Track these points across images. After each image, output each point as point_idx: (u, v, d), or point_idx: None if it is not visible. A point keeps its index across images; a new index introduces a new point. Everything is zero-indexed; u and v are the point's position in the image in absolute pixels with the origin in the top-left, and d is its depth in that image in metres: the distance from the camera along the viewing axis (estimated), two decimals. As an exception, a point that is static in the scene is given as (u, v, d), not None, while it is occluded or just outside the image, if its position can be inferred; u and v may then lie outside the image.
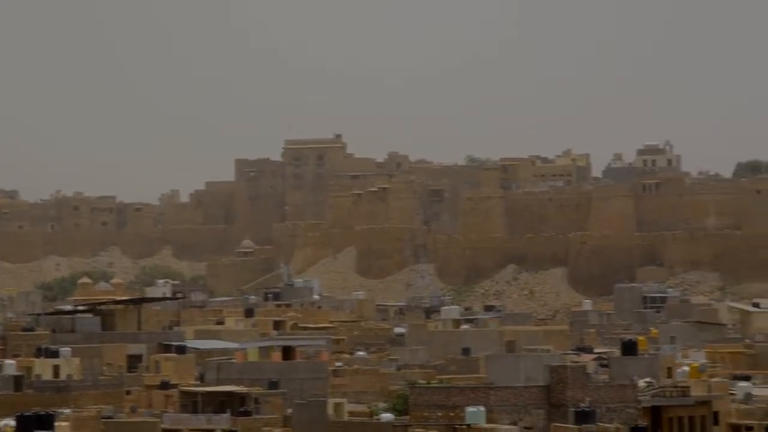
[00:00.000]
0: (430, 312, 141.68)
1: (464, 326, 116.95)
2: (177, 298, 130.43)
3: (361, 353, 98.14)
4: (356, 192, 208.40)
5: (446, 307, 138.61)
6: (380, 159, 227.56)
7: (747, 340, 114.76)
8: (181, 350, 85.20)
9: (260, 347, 77.39)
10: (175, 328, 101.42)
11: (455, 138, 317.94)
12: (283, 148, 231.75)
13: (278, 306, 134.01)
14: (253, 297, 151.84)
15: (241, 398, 64.60)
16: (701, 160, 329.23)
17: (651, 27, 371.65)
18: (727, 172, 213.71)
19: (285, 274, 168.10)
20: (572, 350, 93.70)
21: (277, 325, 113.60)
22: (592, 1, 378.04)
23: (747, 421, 57.97)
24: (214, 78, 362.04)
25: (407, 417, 55.07)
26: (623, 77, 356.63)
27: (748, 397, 65.43)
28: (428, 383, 70.98)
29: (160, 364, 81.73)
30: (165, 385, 73.30)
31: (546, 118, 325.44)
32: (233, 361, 75.70)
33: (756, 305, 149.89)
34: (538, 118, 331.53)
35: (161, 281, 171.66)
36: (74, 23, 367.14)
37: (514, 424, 50.62)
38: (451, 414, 50.66)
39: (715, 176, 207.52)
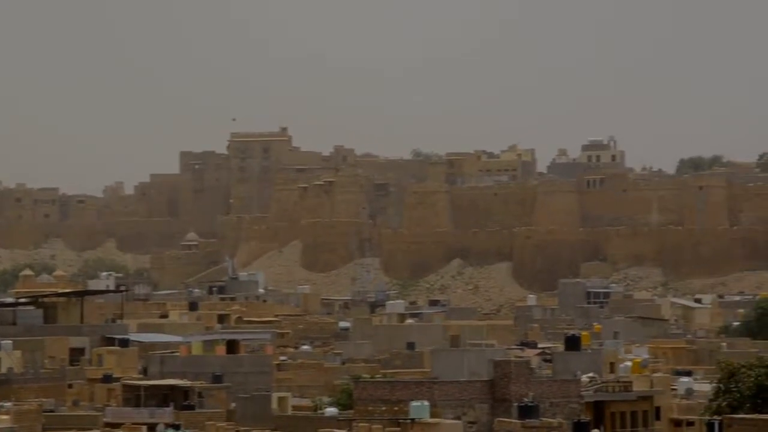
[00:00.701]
0: (375, 306, 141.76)
1: (409, 320, 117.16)
2: (120, 291, 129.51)
3: (305, 347, 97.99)
4: (302, 185, 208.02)
5: (391, 302, 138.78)
6: (326, 152, 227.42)
7: (689, 336, 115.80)
8: (124, 343, 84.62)
9: (204, 341, 77.03)
10: (119, 321, 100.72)
11: (401, 132, 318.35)
12: (228, 141, 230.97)
13: (223, 299, 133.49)
14: (197, 290, 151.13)
15: (185, 392, 64.25)
16: (645, 156, 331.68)
17: (596, 24, 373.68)
18: (671, 169, 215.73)
19: (230, 267, 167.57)
20: (516, 345, 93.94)
21: (222, 318, 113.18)
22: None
23: (688, 416, 58.38)
24: (159, 69, 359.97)
25: (351, 411, 55.02)
26: (568, 73, 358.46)
27: (689, 393, 65.92)
28: (372, 377, 70.98)
29: (103, 357, 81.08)
30: (107, 379, 72.76)
31: (491, 114, 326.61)
32: (177, 354, 75.31)
33: (698, 301, 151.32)
34: (483, 113, 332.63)
35: (104, 274, 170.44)
36: (24, 13, 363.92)
37: (458, 418, 50.69)
38: (395, 408, 50.63)
39: (659, 172, 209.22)
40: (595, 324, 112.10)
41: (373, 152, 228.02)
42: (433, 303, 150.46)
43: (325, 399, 70.57)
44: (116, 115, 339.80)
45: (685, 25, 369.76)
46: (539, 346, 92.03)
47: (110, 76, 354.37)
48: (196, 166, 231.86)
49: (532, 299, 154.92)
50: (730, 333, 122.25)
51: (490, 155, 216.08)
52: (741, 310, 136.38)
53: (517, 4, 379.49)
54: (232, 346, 74.48)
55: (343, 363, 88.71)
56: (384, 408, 51.12)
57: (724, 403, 40.57)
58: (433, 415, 50.13)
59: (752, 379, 39.91)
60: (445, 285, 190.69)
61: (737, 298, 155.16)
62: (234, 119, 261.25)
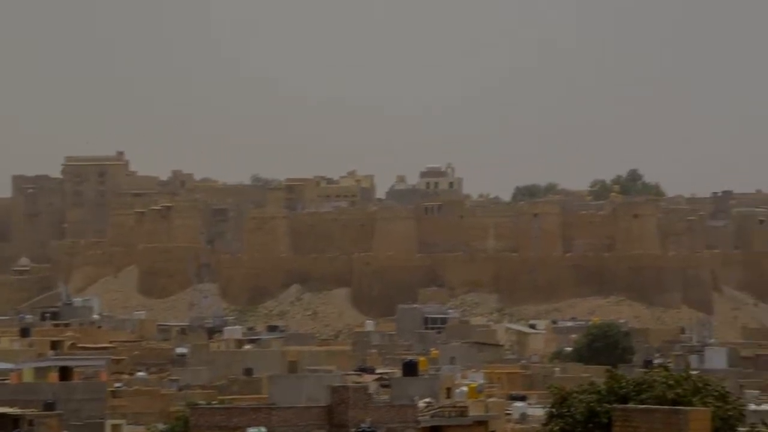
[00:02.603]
0: (213, 332, 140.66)
1: (247, 346, 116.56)
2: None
3: (141, 374, 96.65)
4: (139, 210, 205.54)
5: (229, 327, 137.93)
6: (164, 177, 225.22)
7: (523, 361, 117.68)
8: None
9: (36, 368, 75.37)
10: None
11: (240, 157, 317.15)
12: (62, 164, 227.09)
13: (56, 325, 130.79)
14: (29, 316, 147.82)
15: (15, 420, 62.63)
16: (482, 184, 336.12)
17: (432, 51, 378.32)
18: (506, 196, 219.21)
19: (63, 293, 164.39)
20: (354, 371, 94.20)
21: (55, 345, 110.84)
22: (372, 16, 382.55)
23: (522, 440, 59.30)
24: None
25: (187, 438, 54.39)
26: (405, 101, 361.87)
27: (523, 417, 66.94)
28: (209, 404, 70.35)
29: (-70, 385, 78.65)
30: (-66, 408, 70.58)
31: (330, 140, 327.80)
32: (7, 381, 73.54)
33: (532, 326, 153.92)
34: (323, 139, 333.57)
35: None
36: None
37: (295, 444, 50.47)
38: (232, 435, 50.15)
39: (495, 199, 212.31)
40: (432, 349, 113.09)
41: (211, 177, 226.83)
42: (272, 329, 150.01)
43: (161, 426, 69.72)
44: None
45: (521, 57, 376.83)
46: (377, 371, 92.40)
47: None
48: (29, 190, 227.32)
49: (370, 325, 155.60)
50: (562, 358, 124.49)
51: (330, 181, 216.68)
52: (573, 336, 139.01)
53: (353, 35, 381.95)
54: (65, 373, 73.04)
55: (180, 389, 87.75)
56: (220, 435, 50.58)
57: (557, 428, 41.18)
58: (270, 442, 49.81)
59: (584, 404, 40.61)
60: (283, 311, 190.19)
61: (570, 323, 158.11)
62: (87, 142, 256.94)
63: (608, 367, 51.56)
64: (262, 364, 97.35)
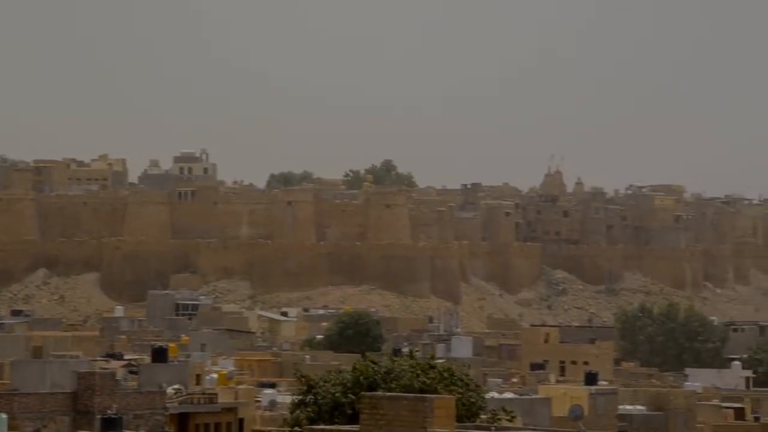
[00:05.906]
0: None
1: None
2: None
3: None
4: None
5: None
6: None
7: (275, 348, 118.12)
8: None
9: None
10: None
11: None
12: None
13: None
14: None
15: None
16: (237, 170, 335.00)
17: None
18: (261, 183, 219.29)
19: None
20: (102, 357, 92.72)
21: None
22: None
23: (270, 428, 59.46)
24: None
25: (-77, 426, 52.47)
26: (166, 87, 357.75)
27: (272, 404, 67.19)
28: (-52, 390, 68.04)
29: None
30: None
31: (81, 121, 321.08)
32: None
33: (284, 314, 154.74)
34: (73, 120, 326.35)
35: None
36: None
37: (38, 431, 49.44)
38: (-29, 422, 48.68)
39: (250, 186, 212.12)
40: (183, 336, 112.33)
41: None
42: (16, 313, 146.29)
43: None
44: None
45: (293, 48, 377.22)
46: (126, 357, 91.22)
47: None
48: None
49: (119, 310, 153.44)
50: (313, 346, 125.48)
51: (80, 164, 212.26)
52: (325, 324, 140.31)
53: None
54: None
55: None
56: (-42, 422, 49.04)
57: (303, 416, 41.40)
58: (11, 428, 48.59)
59: (330, 394, 40.95)
60: (29, 294, 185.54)
61: (322, 311, 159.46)
62: None
63: (359, 355, 52.12)
64: (4, 349, 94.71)
